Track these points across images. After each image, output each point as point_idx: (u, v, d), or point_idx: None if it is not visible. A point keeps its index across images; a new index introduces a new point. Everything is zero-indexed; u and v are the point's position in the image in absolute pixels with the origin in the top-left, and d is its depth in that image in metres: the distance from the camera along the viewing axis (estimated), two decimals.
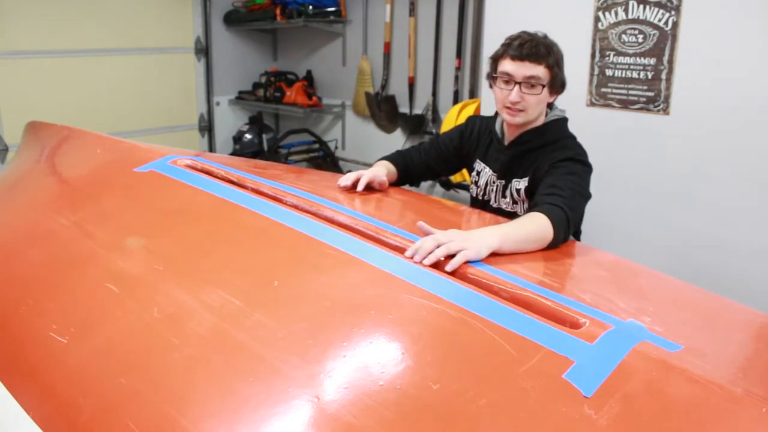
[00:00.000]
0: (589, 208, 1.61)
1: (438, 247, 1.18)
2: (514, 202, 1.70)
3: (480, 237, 1.24)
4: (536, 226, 1.35)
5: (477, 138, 1.81)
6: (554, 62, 1.57)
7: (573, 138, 1.67)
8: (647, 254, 2.42)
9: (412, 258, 1.16)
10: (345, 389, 0.87)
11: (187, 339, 1.01)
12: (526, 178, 1.66)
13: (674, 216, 2.42)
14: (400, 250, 1.25)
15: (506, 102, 1.60)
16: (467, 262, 1.20)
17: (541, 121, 1.66)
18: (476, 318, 1.00)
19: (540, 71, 1.56)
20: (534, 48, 1.55)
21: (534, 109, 1.60)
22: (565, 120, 1.70)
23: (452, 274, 1.16)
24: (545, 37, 1.60)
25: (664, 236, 2.46)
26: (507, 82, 1.59)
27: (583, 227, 1.77)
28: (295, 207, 1.46)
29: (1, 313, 1.21)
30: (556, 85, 1.61)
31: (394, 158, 1.88)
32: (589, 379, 0.88)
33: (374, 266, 1.16)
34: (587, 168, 1.59)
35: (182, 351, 0.98)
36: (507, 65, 1.58)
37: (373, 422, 0.82)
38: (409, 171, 1.88)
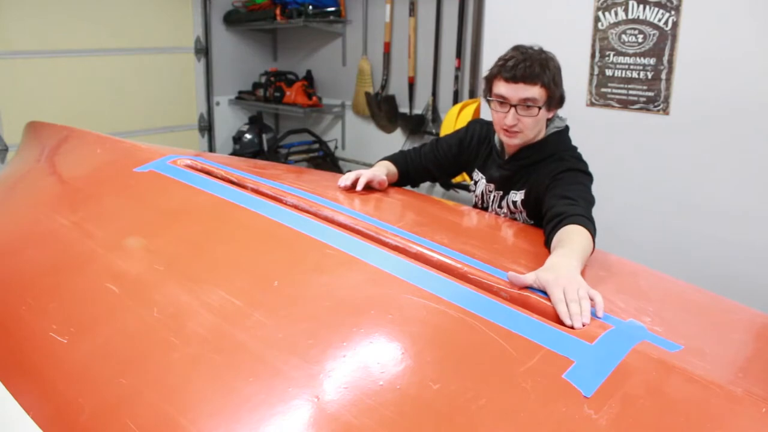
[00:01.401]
0: None
1: (573, 302, 1.06)
2: (511, 212, 1.69)
3: (574, 270, 1.15)
4: (586, 239, 1.31)
5: (476, 147, 1.79)
6: (550, 80, 1.50)
7: (573, 149, 1.64)
8: (647, 254, 2.42)
9: (572, 328, 1.01)
10: (345, 389, 0.87)
11: (187, 339, 1.01)
12: (523, 191, 1.64)
13: (674, 216, 2.42)
14: (400, 250, 1.25)
15: (503, 125, 1.56)
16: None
17: (541, 136, 1.61)
18: (476, 318, 1.00)
19: (535, 92, 1.50)
20: (528, 68, 1.48)
21: (531, 130, 1.57)
22: (565, 130, 1.66)
23: (452, 274, 1.16)
24: (541, 51, 1.53)
25: (664, 236, 2.46)
26: (502, 104, 1.54)
27: None
28: (295, 207, 1.46)
29: (1, 313, 1.21)
30: (554, 102, 1.55)
31: (395, 158, 1.88)
32: (589, 379, 0.88)
33: (374, 266, 1.16)
34: (590, 177, 1.57)
35: (182, 351, 0.98)
36: (501, 87, 1.52)
37: (373, 422, 0.82)
38: (409, 172, 1.87)
